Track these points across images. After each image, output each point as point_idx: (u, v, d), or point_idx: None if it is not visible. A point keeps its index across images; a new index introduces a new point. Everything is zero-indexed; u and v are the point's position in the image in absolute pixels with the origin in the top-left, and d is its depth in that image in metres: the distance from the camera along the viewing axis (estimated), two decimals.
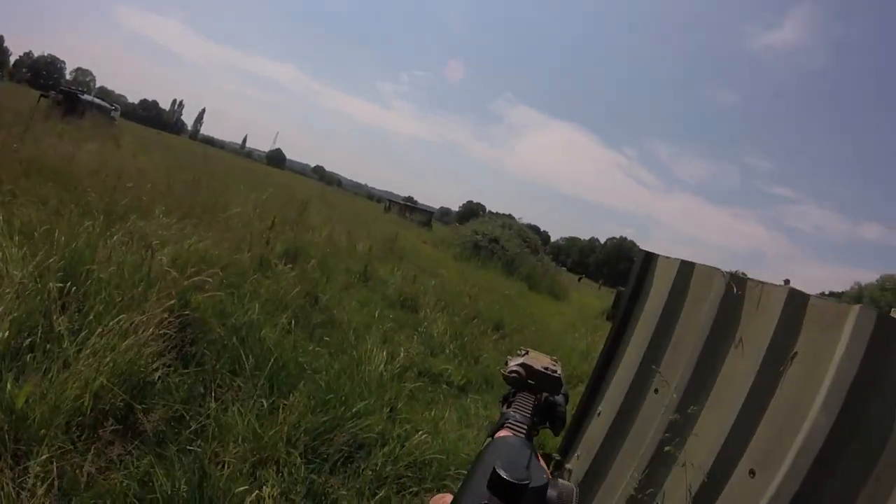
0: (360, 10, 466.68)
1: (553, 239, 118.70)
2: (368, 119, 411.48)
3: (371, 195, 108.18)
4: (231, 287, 5.50)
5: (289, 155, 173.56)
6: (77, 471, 2.48)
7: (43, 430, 2.48)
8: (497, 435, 0.66)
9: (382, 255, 13.66)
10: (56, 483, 2.31)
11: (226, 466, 2.82)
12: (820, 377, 1.87)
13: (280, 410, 3.48)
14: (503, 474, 0.45)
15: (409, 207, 51.22)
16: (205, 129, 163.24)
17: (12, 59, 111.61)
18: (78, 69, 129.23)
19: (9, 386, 2.56)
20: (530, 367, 0.88)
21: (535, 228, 42.42)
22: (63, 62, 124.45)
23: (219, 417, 3.23)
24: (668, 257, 3.21)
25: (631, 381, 2.92)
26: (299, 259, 8.54)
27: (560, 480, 0.52)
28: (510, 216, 35.28)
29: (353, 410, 3.79)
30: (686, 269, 2.88)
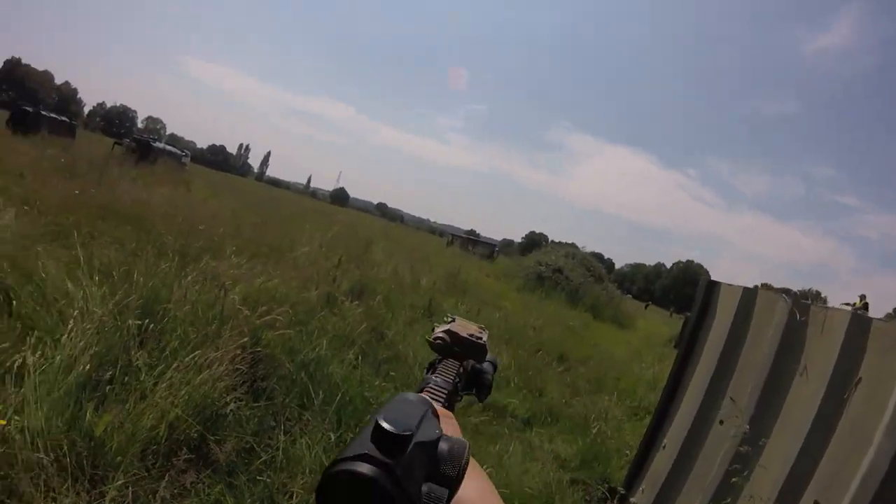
0: (414, 46, 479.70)
1: (617, 266, 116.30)
2: (426, 154, 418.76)
3: (433, 229, 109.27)
4: (299, 324, 5.71)
5: (352, 193, 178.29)
6: (151, 496, 2.63)
7: (119, 458, 2.65)
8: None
9: (446, 289, 13.76)
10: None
11: (293, 497, 2.92)
12: (883, 401, 1.80)
13: (346, 444, 3.57)
14: (385, 426, 0.44)
15: (471, 241, 51.50)
16: (270, 171, 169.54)
17: (86, 110, 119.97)
18: (149, 117, 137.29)
19: (88, 415, 2.75)
20: (456, 334, 0.89)
21: (598, 256, 41.69)
22: (134, 111, 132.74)
23: (287, 450, 3.35)
24: (730, 285, 3.15)
25: (696, 413, 2.86)
26: (365, 295, 8.73)
27: (453, 436, 0.52)
28: (573, 245, 34.93)
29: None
30: (749, 296, 2.83)
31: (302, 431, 3.70)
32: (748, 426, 2.35)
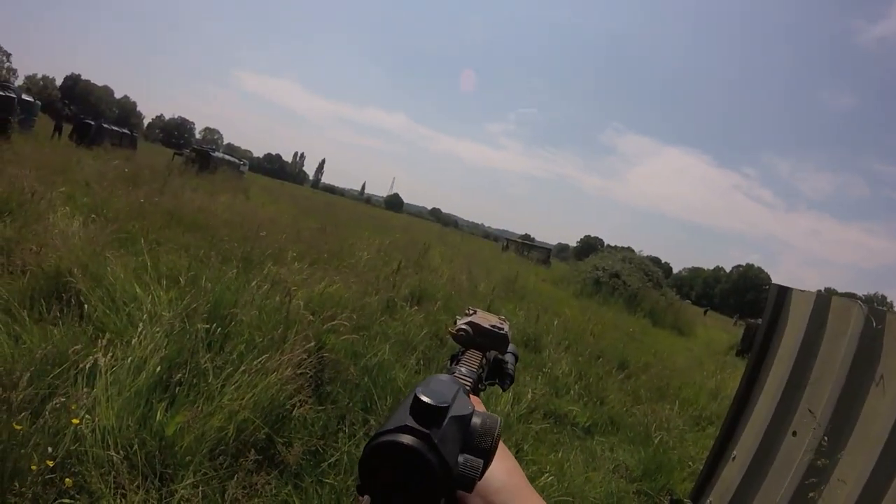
0: (462, 55, 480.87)
1: (675, 270, 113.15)
2: (479, 159, 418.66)
3: (487, 234, 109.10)
4: (361, 329, 5.83)
5: (406, 199, 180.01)
6: (220, 496, 2.73)
7: (189, 457, 2.76)
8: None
9: (504, 294, 13.73)
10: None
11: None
12: None
13: None
14: (424, 398, 0.46)
15: (526, 245, 51.11)
16: (325, 178, 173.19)
17: (145, 122, 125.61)
18: (206, 128, 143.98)
19: (159, 415, 2.88)
20: (478, 325, 0.90)
21: (656, 260, 40.71)
22: (192, 122, 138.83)
23: (352, 452, 3.43)
24: (802, 291, 3.05)
25: (768, 424, 2.78)
26: (424, 301, 8.82)
27: (485, 411, 0.54)
28: (630, 249, 34.29)
29: None
30: (822, 302, 2.73)
31: (366, 435, 3.79)
32: (825, 437, 2.27)
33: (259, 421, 3.27)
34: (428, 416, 0.46)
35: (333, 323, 5.10)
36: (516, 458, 2.89)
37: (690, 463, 5.62)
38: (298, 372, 3.91)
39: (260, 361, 3.68)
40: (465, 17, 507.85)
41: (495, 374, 0.91)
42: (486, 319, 0.93)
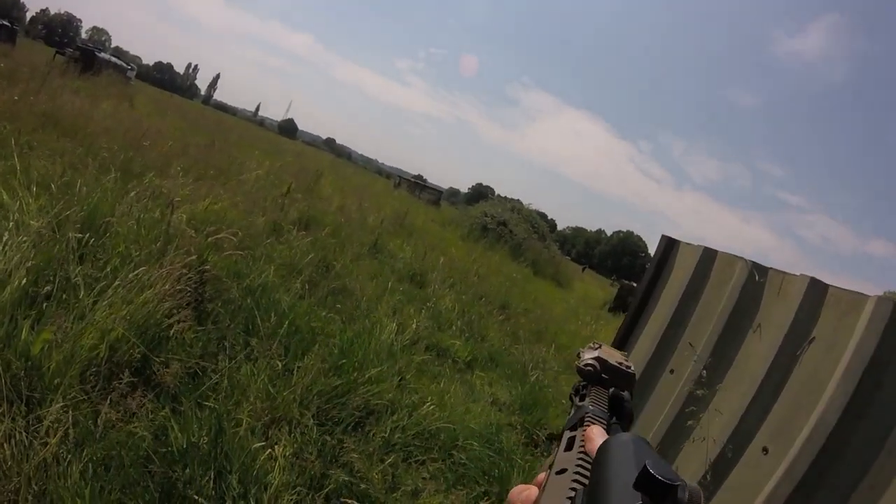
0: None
1: (560, 227, 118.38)
2: (383, 94, 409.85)
3: (381, 171, 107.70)
4: (246, 249, 5.54)
5: (301, 126, 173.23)
6: (92, 421, 2.49)
7: (58, 380, 2.49)
8: (590, 429, 0.63)
9: (392, 229, 13.69)
10: (70, 432, 2.31)
11: (241, 424, 2.85)
12: (836, 360, 1.92)
13: (294, 373, 3.52)
14: (654, 473, 0.43)
15: (418, 185, 51.05)
16: (218, 95, 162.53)
17: (28, 16, 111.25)
18: (94, 28, 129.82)
19: (24, 333, 2.56)
20: (605, 361, 0.86)
21: (542, 215, 42.22)
22: (79, 20, 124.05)
23: (232, 376, 3.27)
24: (689, 243, 3.21)
25: (648, 360, 2.94)
26: (312, 227, 8.58)
27: (688, 482, 0.49)
28: (519, 201, 35.15)
29: (366, 376, 3.84)
30: (708, 255, 2.89)
31: (247, 358, 3.61)
32: (704, 371, 2.43)
33: (134, 339, 2.98)
34: (662, 493, 0.43)
35: (218, 237, 4.80)
36: (399, 386, 2.85)
37: (563, 401, 5.94)
38: (177, 288, 3.63)
39: (136, 275, 3.36)
40: None
41: (614, 412, 0.82)
42: (611, 356, 0.87)
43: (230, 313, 4.03)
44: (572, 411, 0.76)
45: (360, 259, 8.68)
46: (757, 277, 2.46)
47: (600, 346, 0.90)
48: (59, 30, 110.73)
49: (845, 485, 1.71)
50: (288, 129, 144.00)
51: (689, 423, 2.34)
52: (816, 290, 2.23)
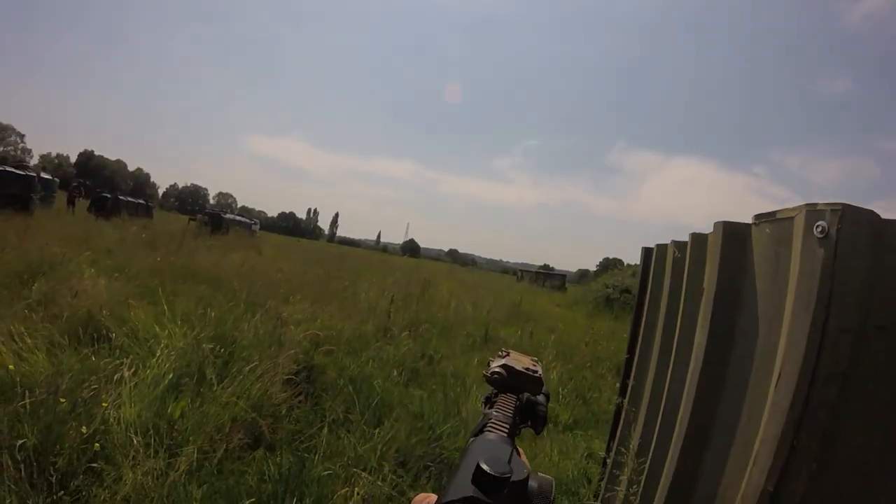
0: (461, 95, 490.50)
1: None
2: (490, 196, 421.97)
3: (506, 269, 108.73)
4: (354, 353, 6.49)
5: (422, 244, 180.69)
6: (209, 462, 3.46)
7: (192, 437, 3.55)
8: (479, 436, 0.70)
9: (506, 319, 14.11)
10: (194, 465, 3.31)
11: (322, 468, 3.64)
12: (700, 303, 2.14)
13: (377, 433, 4.26)
14: (486, 468, 0.48)
15: (541, 275, 51.38)
16: (341, 231, 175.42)
17: (160, 192, 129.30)
18: (220, 193, 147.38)
19: (169, 407, 3.70)
20: (512, 368, 0.91)
21: None
22: (206, 189, 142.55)
23: (329, 441, 4.06)
24: (651, 247, 3.67)
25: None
26: (421, 330, 9.35)
27: (539, 473, 0.57)
28: None
29: (439, 432, 4.47)
30: (661, 249, 3.33)
31: (342, 427, 4.43)
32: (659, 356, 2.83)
33: (248, 410, 4.05)
34: (491, 485, 0.49)
35: (325, 348, 5.82)
36: None
37: None
38: (286, 378, 4.71)
39: (251, 369, 4.44)
40: (457, 58, 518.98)
41: (528, 417, 0.90)
42: (519, 361, 0.94)
43: (332, 397, 4.90)
44: (480, 419, 0.80)
45: (469, 351, 9.25)
46: (676, 253, 2.81)
47: (508, 354, 0.98)
48: (189, 199, 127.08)
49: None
50: (410, 249, 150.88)
51: (633, 384, 2.72)
52: (697, 244, 2.41)
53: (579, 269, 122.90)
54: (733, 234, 1.91)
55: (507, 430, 0.72)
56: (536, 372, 0.91)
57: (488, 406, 0.86)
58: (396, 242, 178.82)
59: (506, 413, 0.78)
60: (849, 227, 1.35)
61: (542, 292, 34.65)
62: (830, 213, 1.37)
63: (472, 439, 0.69)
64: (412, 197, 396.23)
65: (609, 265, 53.07)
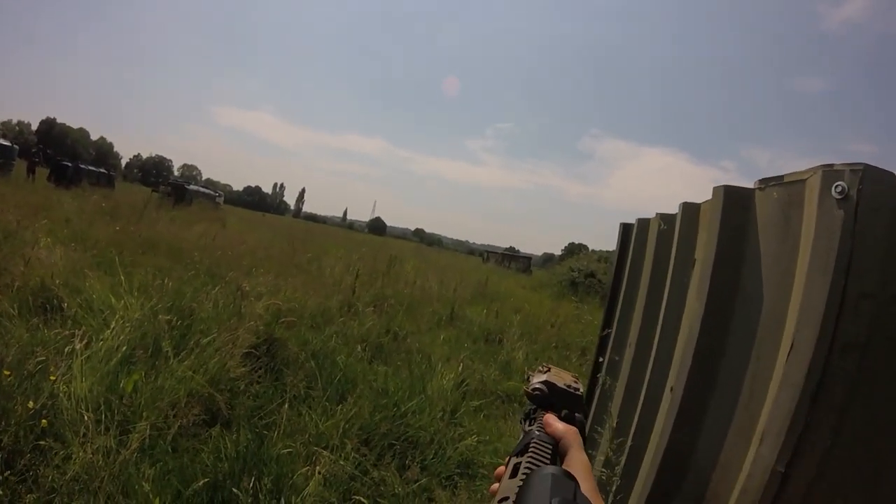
0: (434, 76, 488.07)
1: None
2: (460, 177, 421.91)
3: (472, 251, 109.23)
4: (317, 328, 6.29)
5: (389, 222, 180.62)
6: (163, 439, 3.28)
7: (145, 412, 3.33)
8: (528, 458, 0.69)
9: (472, 299, 14.09)
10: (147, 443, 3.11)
11: (281, 446, 3.47)
12: (691, 273, 2.10)
13: (339, 410, 4.09)
14: None
15: (507, 256, 51.72)
16: (307, 207, 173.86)
17: (123, 162, 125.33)
18: (184, 165, 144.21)
19: (121, 381, 3.47)
20: (553, 385, 0.89)
21: None
22: (170, 160, 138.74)
23: (290, 418, 3.89)
24: (630, 223, 3.60)
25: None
26: (386, 305, 9.22)
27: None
28: (614, 252, 34.64)
29: (402, 410, 4.34)
30: (642, 223, 3.26)
31: (304, 403, 4.25)
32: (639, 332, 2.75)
33: (206, 386, 3.82)
34: None
35: (286, 320, 5.61)
36: (449, 421, 3.41)
37: None
38: (246, 352, 4.53)
39: (209, 342, 4.22)
40: (435, 37, 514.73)
41: None
42: (560, 378, 0.92)
43: (294, 371, 4.71)
44: (521, 437, 0.78)
45: (435, 328, 9.17)
46: (662, 225, 2.75)
47: (549, 370, 0.95)
48: (153, 171, 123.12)
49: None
50: (377, 227, 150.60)
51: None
52: (690, 215, 2.33)
53: (545, 253, 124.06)
54: (735, 198, 1.80)
55: (549, 450, 0.71)
56: (577, 389, 0.90)
57: (528, 423, 0.85)
58: (363, 220, 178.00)
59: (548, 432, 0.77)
60: (870, 188, 1.27)
61: (508, 274, 34.85)
62: (850, 174, 1.29)
63: (515, 459, 0.68)
64: (381, 174, 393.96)
65: (574, 250, 53.59)
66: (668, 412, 1.96)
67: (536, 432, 0.76)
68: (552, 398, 0.87)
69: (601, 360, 3.48)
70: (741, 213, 1.78)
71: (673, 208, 2.56)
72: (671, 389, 1.99)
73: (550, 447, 0.72)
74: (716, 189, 1.90)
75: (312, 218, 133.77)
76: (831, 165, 1.34)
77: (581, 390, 0.90)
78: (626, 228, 3.68)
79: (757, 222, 1.72)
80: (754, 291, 1.67)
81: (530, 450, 0.69)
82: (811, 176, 1.42)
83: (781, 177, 1.60)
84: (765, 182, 1.70)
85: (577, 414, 0.87)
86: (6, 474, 2.63)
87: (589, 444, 3.23)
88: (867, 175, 1.26)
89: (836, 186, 1.28)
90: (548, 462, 0.68)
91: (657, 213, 2.87)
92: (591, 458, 2.76)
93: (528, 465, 0.65)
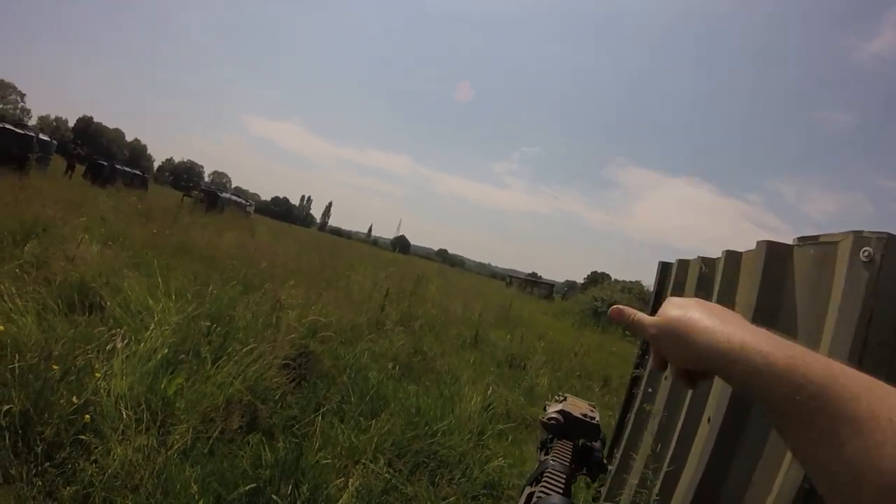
0: (471, 99, 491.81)
1: None
2: (485, 199, 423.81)
3: (494, 274, 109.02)
4: (348, 343, 6.49)
5: (413, 241, 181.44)
6: (202, 443, 3.40)
7: (184, 415, 3.45)
8: (541, 488, 0.69)
9: (496, 322, 14.19)
10: (188, 446, 3.24)
11: (320, 457, 3.62)
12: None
13: (373, 425, 4.25)
14: None
15: (530, 282, 51.60)
16: (332, 221, 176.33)
17: (155, 165, 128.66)
18: (215, 172, 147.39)
19: (163, 383, 3.60)
20: (569, 414, 0.89)
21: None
22: (201, 166, 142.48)
23: (324, 430, 4.04)
24: (670, 262, 3.73)
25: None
26: (416, 326, 9.37)
27: None
28: (639, 283, 34.56)
29: (434, 429, 4.48)
30: (682, 264, 3.39)
31: (339, 419, 4.41)
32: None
33: (244, 392, 3.96)
34: None
35: (321, 335, 5.82)
36: (476, 442, 3.57)
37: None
38: (283, 362, 4.66)
39: (248, 351, 4.38)
40: (465, 58, 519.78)
41: (583, 463, 0.89)
42: (577, 407, 0.92)
43: (327, 385, 4.89)
44: (536, 466, 0.79)
45: (459, 351, 9.29)
46: (703, 268, 2.90)
47: (565, 399, 0.96)
48: (184, 175, 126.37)
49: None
50: (401, 245, 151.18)
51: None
52: (733, 261, 2.51)
53: (567, 280, 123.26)
54: (776, 252, 2.01)
55: (563, 480, 0.71)
56: (594, 418, 0.90)
57: (544, 452, 0.85)
58: (387, 237, 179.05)
59: (563, 463, 0.78)
60: (892, 255, 1.46)
61: (530, 299, 34.86)
62: (876, 241, 1.48)
63: (529, 489, 0.70)
64: (406, 193, 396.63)
65: (597, 279, 53.29)
66: (704, 442, 2.13)
67: (551, 462, 0.76)
68: (568, 427, 0.88)
69: (634, 392, 3.62)
70: (780, 266, 1.97)
71: (697, 240, 2.73)
72: (708, 420, 2.17)
73: (564, 477, 0.72)
74: (759, 243, 2.11)
75: (337, 232, 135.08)
76: (861, 232, 1.53)
77: (598, 419, 0.90)
78: (664, 267, 3.82)
79: (794, 275, 1.92)
80: (788, 336, 1.80)
81: (544, 479, 0.70)
82: (843, 240, 1.61)
83: (817, 237, 1.82)
84: (803, 240, 1.91)
85: (594, 443, 0.89)
86: (45, 465, 2.72)
87: (622, 468, 3.37)
88: (890, 243, 1.45)
89: (864, 252, 1.48)
90: (560, 492, 0.68)
91: (699, 256, 3.02)
92: (624, 481, 2.89)
93: (539, 494, 0.66)
